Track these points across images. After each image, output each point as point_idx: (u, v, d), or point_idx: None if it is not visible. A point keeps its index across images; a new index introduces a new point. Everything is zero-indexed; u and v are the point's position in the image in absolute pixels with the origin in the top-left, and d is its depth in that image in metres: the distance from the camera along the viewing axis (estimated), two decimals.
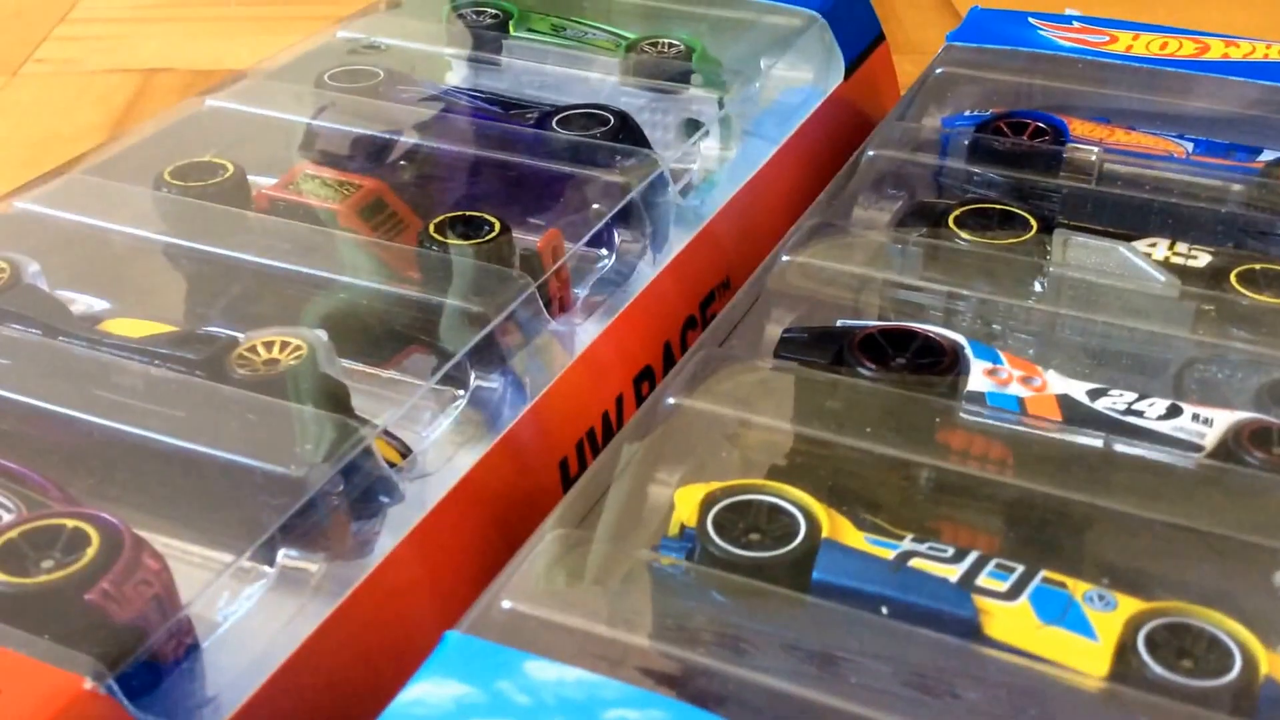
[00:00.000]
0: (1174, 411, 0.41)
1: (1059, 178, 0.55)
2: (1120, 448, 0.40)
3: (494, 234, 0.49)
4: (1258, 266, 0.48)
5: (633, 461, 0.40)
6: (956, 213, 0.51)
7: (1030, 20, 0.66)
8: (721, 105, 0.62)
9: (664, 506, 0.39)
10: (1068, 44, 0.64)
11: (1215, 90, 0.60)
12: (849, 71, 0.69)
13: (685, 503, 0.37)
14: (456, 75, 0.69)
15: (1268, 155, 0.56)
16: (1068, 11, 0.66)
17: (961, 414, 0.42)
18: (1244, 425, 0.40)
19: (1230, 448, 0.40)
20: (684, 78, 0.64)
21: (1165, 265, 0.48)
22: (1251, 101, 0.60)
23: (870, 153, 0.57)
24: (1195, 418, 0.41)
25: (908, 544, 0.37)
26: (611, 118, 0.58)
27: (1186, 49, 0.62)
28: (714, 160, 0.62)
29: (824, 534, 0.36)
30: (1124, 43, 0.63)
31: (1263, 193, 0.53)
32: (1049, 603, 0.35)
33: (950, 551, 0.36)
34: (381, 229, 0.52)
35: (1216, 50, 0.62)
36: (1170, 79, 0.61)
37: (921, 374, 0.43)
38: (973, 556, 0.36)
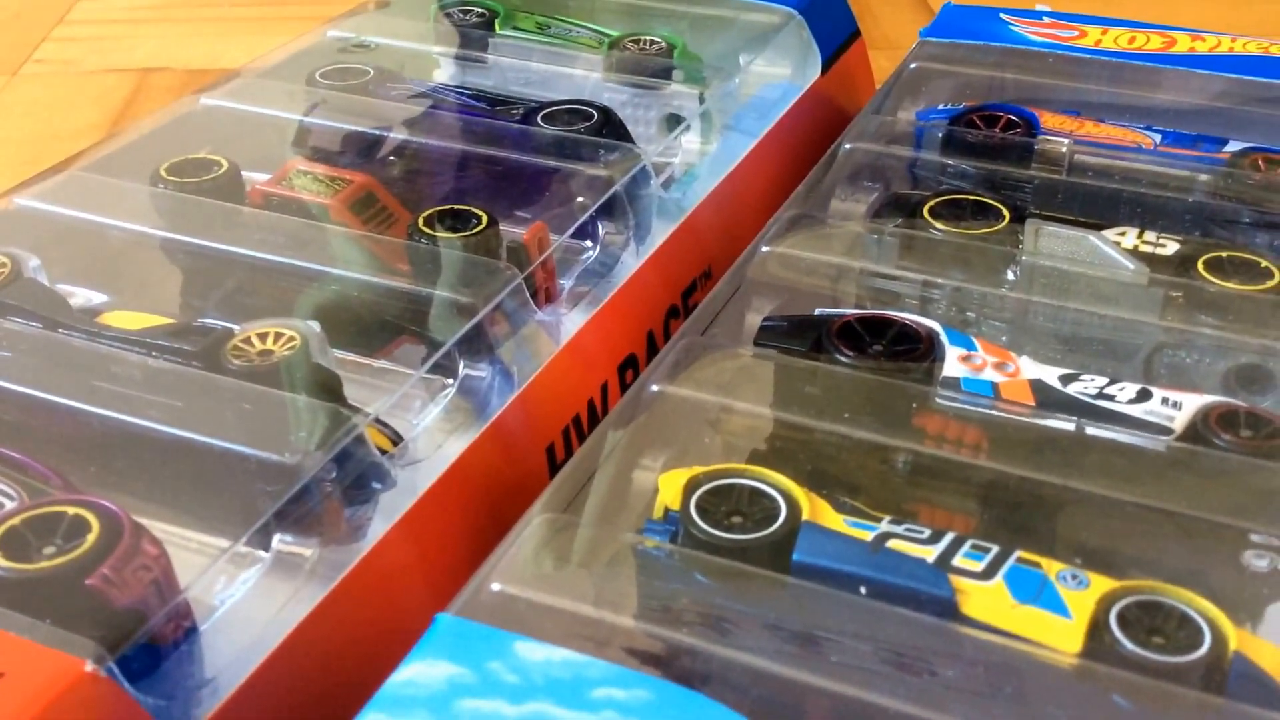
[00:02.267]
0: (1144, 395, 0.42)
1: (1031, 169, 0.56)
2: (1092, 431, 0.41)
3: (481, 227, 0.50)
4: (1224, 254, 0.49)
5: (618, 447, 0.41)
6: (931, 203, 0.52)
7: (1002, 16, 0.67)
8: (702, 100, 0.63)
9: (648, 491, 0.40)
10: (1038, 39, 0.64)
11: (1182, 83, 0.61)
12: (825, 67, 0.70)
13: (669, 487, 0.38)
14: (444, 73, 0.69)
15: (1234, 146, 0.56)
16: (1039, 7, 0.67)
17: (937, 399, 0.42)
18: (1212, 408, 0.41)
19: (1198, 430, 0.41)
20: (665, 74, 0.64)
21: (1134, 253, 0.49)
22: (1217, 94, 0.60)
23: (847, 146, 0.58)
24: (1164, 401, 0.42)
25: (886, 526, 0.37)
26: (595, 113, 0.59)
27: (1154, 43, 0.63)
28: (695, 154, 0.63)
29: (804, 517, 0.37)
30: (1093, 37, 0.64)
31: (1228, 182, 0.54)
32: (1023, 582, 0.35)
33: (927, 533, 0.37)
34: (372, 223, 0.52)
35: (1183, 44, 0.63)
36: (1138, 72, 0.62)
37: (898, 360, 0.43)
38: (949, 538, 0.37)
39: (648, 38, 0.67)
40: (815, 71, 0.70)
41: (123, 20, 1.01)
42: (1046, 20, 0.66)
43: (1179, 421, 0.41)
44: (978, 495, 0.40)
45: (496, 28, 0.69)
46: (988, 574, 0.36)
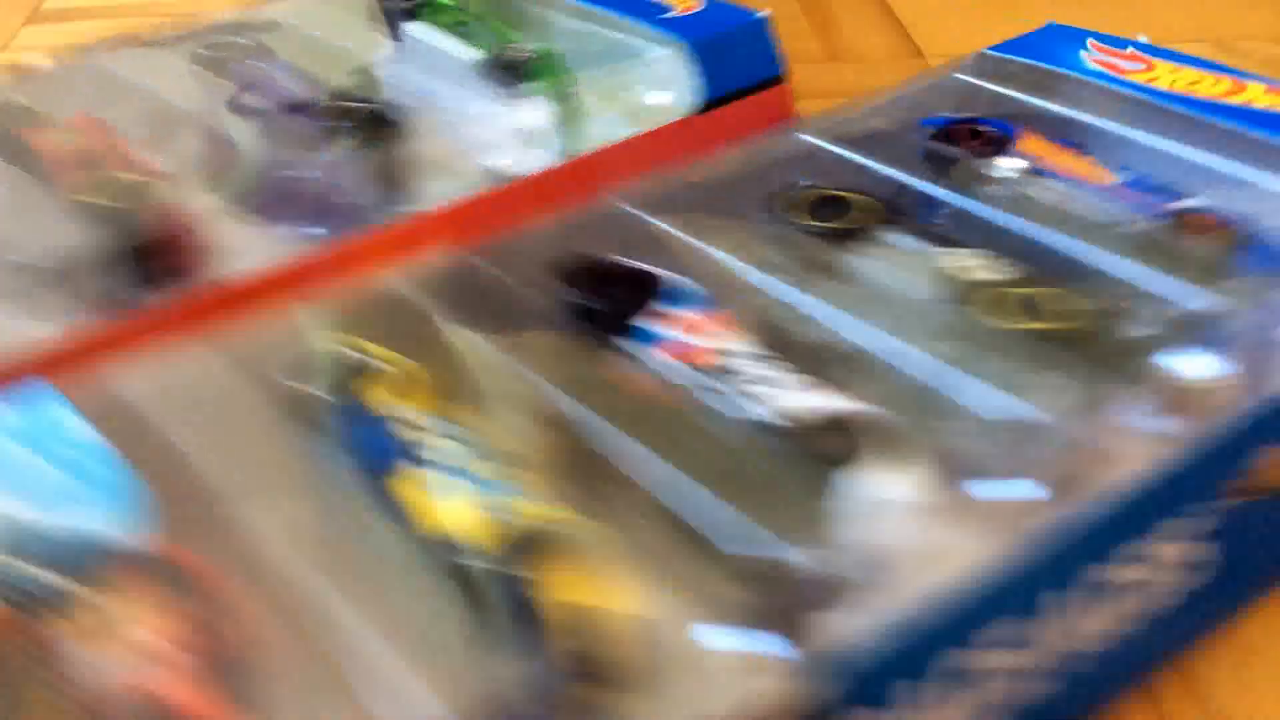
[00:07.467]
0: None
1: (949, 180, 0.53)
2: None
3: None
4: (1042, 291, 0.45)
5: None
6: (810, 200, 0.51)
7: (1089, 42, 0.62)
8: (562, 112, 0.62)
9: None
10: (1094, 66, 0.59)
11: (1200, 136, 0.54)
12: (711, 106, 0.65)
13: None
14: (363, 59, 0.68)
15: (1188, 203, 0.50)
16: (1139, 37, 0.62)
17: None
18: None
19: None
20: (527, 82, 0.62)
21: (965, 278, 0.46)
22: (1231, 150, 0.53)
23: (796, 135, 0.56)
24: None
25: None
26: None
27: (1219, 88, 0.57)
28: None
29: None
30: (1162, 74, 0.58)
31: (1139, 234, 0.49)
32: None
33: None
34: None
35: (1253, 94, 0.56)
36: (1152, 112, 0.55)
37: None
38: None
39: (526, 48, 0.64)
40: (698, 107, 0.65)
41: None
42: (1130, 51, 0.61)
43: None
44: None
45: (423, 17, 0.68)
46: None
